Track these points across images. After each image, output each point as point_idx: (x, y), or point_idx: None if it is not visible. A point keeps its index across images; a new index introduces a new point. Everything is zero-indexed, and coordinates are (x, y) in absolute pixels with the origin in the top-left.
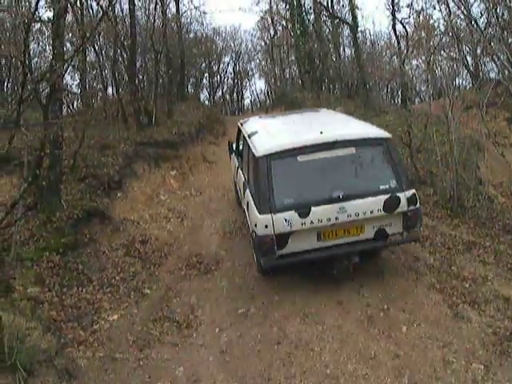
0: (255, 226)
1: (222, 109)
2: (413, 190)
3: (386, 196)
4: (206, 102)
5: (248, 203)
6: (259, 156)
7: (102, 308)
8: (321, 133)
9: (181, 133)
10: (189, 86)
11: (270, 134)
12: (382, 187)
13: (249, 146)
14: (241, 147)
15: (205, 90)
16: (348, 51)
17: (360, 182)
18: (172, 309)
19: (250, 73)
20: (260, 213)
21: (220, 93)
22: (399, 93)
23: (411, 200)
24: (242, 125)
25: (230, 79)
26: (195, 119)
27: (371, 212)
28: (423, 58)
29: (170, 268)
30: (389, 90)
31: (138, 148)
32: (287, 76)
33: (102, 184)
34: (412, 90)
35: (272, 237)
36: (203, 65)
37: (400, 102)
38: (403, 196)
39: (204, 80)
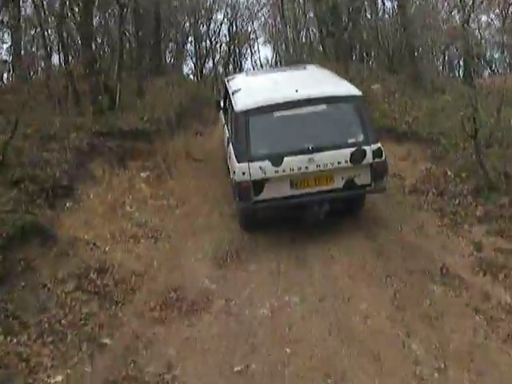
0: (234, 173)
1: (214, 85)
2: (378, 145)
3: (353, 149)
4: (192, 77)
5: (230, 155)
6: (238, 111)
7: (40, 365)
8: (296, 91)
9: (155, 119)
10: (167, 54)
11: (250, 91)
12: (349, 141)
13: (231, 103)
14: (227, 104)
15: (189, 59)
16: (389, 5)
17: (329, 135)
18: (141, 365)
19: (252, 36)
20: (238, 161)
21: (211, 63)
22: (461, 63)
23: (376, 153)
24: (228, 81)
25: (224, 45)
26: (176, 100)
27: (339, 163)
28: (497, 11)
29: (139, 307)
30: (446, 58)
31: (95, 140)
32: (303, 40)
33: (45, 190)
34: (480, 58)
35: (249, 183)
36: (187, 25)
37: (462, 75)
38: (369, 149)
39: (188, 45)
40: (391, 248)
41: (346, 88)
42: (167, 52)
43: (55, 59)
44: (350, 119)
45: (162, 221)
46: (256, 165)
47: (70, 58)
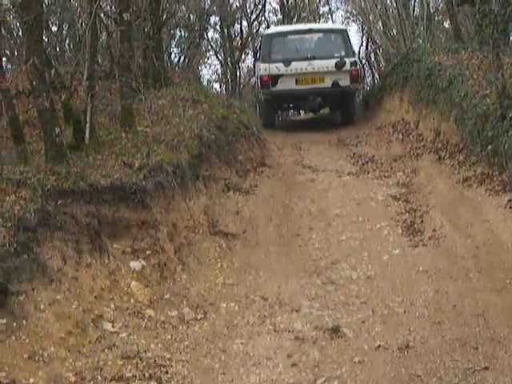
0: (259, 70)
1: (257, 99)
2: (355, 58)
3: (337, 59)
4: (218, 87)
5: (259, 70)
6: (266, 34)
7: None
8: (305, 24)
9: (155, 166)
10: (173, 49)
11: (278, 27)
12: (335, 55)
13: (263, 36)
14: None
15: (213, 56)
16: None
17: (323, 51)
18: None
19: (323, 9)
20: (262, 63)
21: (250, 60)
22: None
23: (353, 63)
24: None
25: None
26: (191, 131)
27: (327, 67)
28: None
29: None
30: None
31: (49, 206)
32: (415, 13)
33: None
34: None
35: (268, 76)
36: None
37: None
38: (348, 60)
39: (211, 32)
40: None
41: (337, 25)
42: (173, 45)
43: None
44: (337, 42)
45: (168, 348)
46: (274, 65)
47: (4, 62)
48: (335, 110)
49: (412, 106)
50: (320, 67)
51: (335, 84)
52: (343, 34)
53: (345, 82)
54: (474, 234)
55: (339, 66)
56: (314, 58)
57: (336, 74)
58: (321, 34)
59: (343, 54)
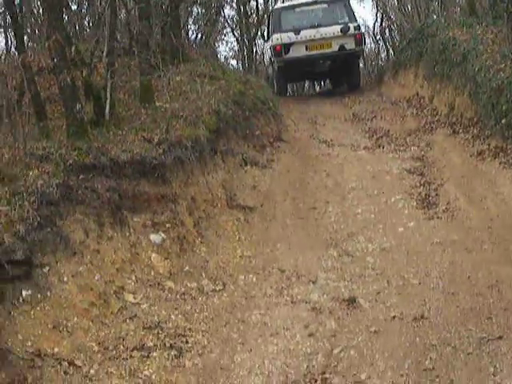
0: (272, 41)
1: (272, 75)
2: (357, 23)
3: (342, 25)
4: (234, 64)
5: (271, 41)
6: (275, 9)
7: None
8: None
9: (174, 141)
10: (191, 27)
11: (288, 2)
12: (340, 21)
13: (273, 10)
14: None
15: (229, 33)
16: None
17: (329, 19)
18: None
19: None
20: (275, 33)
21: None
22: None
23: (357, 28)
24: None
25: None
26: (207, 105)
27: (333, 33)
28: None
29: None
30: None
31: (71, 180)
32: None
33: None
34: None
35: (281, 45)
36: None
37: None
38: (352, 25)
39: (227, 9)
40: None
41: None
42: (190, 22)
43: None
44: (341, 10)
45: (188, 319)
46: (285, 35)
47: (25, 40)
48: (341, 73)
49: (426, 81)
50: (327, 33)
51: (341, 48)
52: (345, 2)
53: (350, 45)
54: (488, 207)
55: (344, 30)
56: (321, 25)
57: (342, 39)
58: (325, 5)
59: (347, 20)
